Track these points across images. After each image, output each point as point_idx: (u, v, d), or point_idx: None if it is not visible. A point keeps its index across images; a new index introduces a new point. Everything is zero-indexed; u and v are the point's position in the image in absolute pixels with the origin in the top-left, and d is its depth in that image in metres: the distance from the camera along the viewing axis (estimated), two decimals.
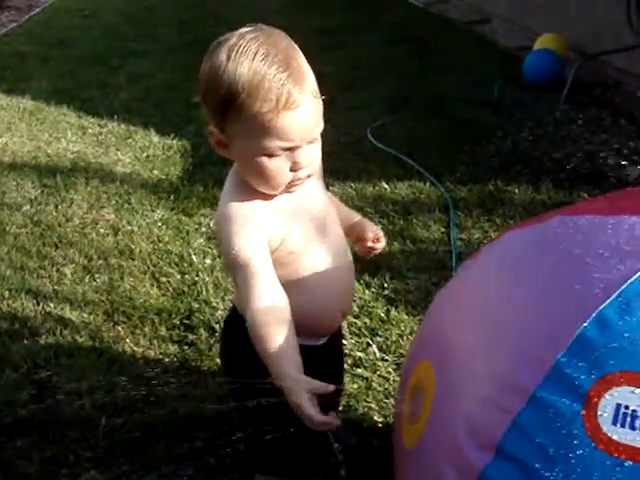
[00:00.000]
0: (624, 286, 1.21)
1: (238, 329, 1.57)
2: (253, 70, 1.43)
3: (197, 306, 2.93)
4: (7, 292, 3.11)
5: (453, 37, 7.08)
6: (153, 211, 3.82)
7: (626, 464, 1.14)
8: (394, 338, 2.69)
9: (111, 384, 2.50)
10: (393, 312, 2.83)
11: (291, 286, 1.55)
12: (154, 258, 3.34)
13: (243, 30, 1.50)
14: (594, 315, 1.19)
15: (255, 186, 1.55)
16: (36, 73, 6.47)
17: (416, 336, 1.77)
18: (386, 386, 2.46)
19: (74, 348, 2.73)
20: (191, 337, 2.75)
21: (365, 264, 2.78)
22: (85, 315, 2.92)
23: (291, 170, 1.52)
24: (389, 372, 2.52)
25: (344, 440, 1.88)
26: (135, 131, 5.02)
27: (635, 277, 1.22)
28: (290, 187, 1.56)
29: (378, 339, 2.69)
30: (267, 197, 1.57)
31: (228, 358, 1.84)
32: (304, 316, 1.55)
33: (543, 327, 1.26)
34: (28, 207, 3.91)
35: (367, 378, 2.50)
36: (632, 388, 1.15)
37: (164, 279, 3.16)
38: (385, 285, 3.01)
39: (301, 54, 1.52)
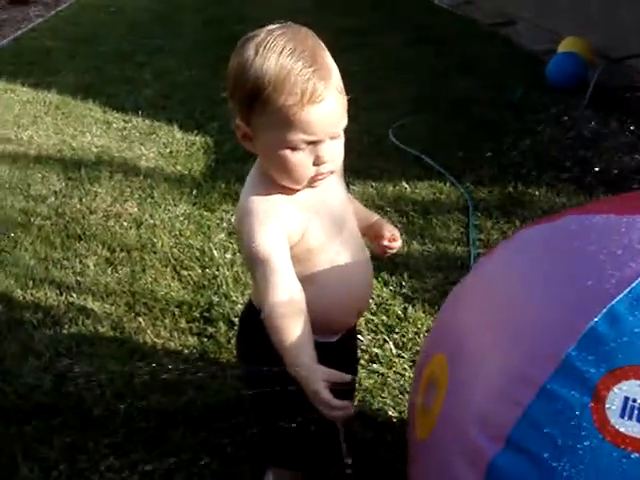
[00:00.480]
0: (635, 283, 1.23)
1: (254, 322, 1.59)
2: (280, 65, 1.46)
3: (217, 300, 2.96)
4: (31, 282, 3.16)
5: (477, 39, 7.08)
6: (175, 206, 3.86)
7: (632, 456, 1.16)
8: (410, 335, 2.71)
9: (131, 373, 2.55)
10: (410, 310, 2.85)
11: (308, 282, 1.57)
12: (175, 252, 3.38)
13: (271, 27, 1.53)
14: (605, 310, 1.21)
15: (278, 180, 1.57)
16: (62, 68, 6.55)
17: (431, 330, 1.79)
18: (401, 382, 2.48)
19: (95, 338, 2.78)
20: (210, 330, 2.78)
21: (384, 262, 2.80)
22: (107, 306, 2.97)
23: (314, 164, 1.54)
24: (405, 369, 2.54)
25: (359, 434, 1.89)
26: (159, 127, 5.08)
27: None
28: (313, 182, 1.58)
29: (395, 336, 2.71)
30: (289, 192, 1.59)
31: (244, 350, 1.86)
32: (319, 312, 1.56)
33: (555, 321, 1.28)
34: (53, 199, 3.97)
35: (383, 374, 2.52)
36: None
37: (185, 272, 3.19)
38: (403, 283, 3.03)
39: (327, 51, 1.55)
